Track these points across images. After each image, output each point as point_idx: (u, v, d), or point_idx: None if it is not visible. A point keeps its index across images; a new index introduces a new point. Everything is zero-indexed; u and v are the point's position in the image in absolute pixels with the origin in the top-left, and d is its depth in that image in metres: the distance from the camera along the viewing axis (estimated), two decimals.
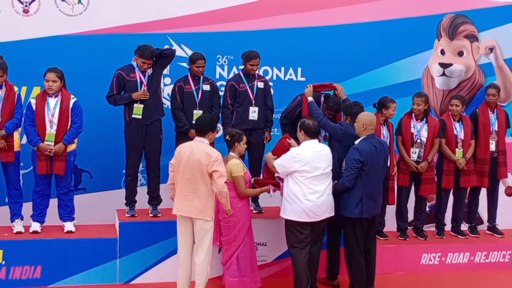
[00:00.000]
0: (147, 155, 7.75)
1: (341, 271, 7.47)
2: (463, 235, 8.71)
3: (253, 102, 7.91)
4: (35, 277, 7.22)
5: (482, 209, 9.03)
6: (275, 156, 7.08)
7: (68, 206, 7.52)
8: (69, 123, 7.31)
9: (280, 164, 6.85)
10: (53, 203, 7.55)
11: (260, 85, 7.98)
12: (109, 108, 7.72)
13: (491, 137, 8.64)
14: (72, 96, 7.34)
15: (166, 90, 8.40)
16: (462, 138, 8.47)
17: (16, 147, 7.30)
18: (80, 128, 7.38)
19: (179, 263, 6.79)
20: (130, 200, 7.78)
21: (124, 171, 7.92)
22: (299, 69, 8.94)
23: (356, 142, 6.97)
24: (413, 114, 8.29)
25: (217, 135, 7.22)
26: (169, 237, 7.34)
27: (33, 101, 7.26)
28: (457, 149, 8.45)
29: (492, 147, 8.65)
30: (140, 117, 7.55)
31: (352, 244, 7.06)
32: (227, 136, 7.00)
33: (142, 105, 7.55)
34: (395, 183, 8.22)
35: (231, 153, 7.00)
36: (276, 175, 7.16)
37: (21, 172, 7.60)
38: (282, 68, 8.91)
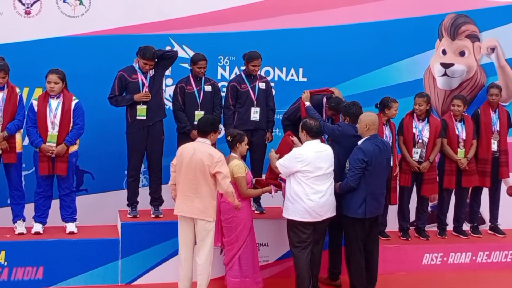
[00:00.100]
0: (149, 156, 7.76)
1: (343, 271, 7.46)
2: (465, 235, 8.71)
3: (255, 102, 7.91)
4: (37, 278, 7.23)
5: (484, 209, 9.02)
6: (279, 155, 7.08)
7: (70, 207, 7.53)
8: (71, 124, 7.31)
9: (282, 164, 6.86)
10: (55, 204, 7.55)
11: (262, 85, 7.99)
12: (111, 109, 7.73)
13: (493, 137, 8.63)
14: (74, 97, 7.35)
15: (168, 91, 8.40)
16: (464, 138, 8.47)
17: (18, 149, 7.30)
18: (82, 129, 7.39)
19: (180, 264, 6.80)
20: (132, 201, 7.79)
21: (126, 172, 7.92)
22: (301, 70, 8.94)
23: (359, 142, 6.97)
24: (414, 114, 8.28)
25: (219, 136, 7.22)
26: (171, 238, 7.34)
27: (35, 103, 7.27)
28: (459, 149, 8.44)
29: (494, 147, 8.64)
30: (144, 118, 7.56)
31: (353, 244, 7.06)
32: (229, 137, 7.01)
33: (145, 106, 7.56)
34: (397, 183, 8.22)
35: (233, 154, 7.00)
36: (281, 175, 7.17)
37: (23, 173, 7.62)
38: (284, 69, 8.92)
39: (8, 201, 7.54)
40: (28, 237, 7.34)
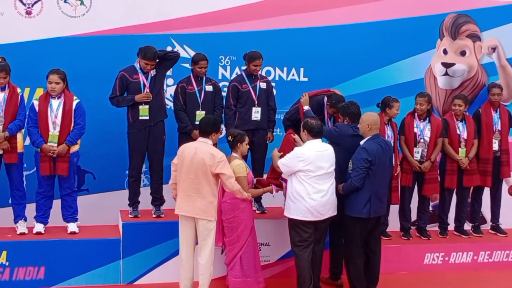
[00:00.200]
0: (150, 156, 7.76)
1: (345, 271, 7.45)
2: (466, 234, 8.70)
3: (256, 102, 7.91)
4: (38, 278, 7.23)
5: (485, 209, 9.02)
6: (281, 153, 7.09)
7: (71, 207, 7.53)
8: (72, 124, 7.31)
9: (284, 163, 6.86)
10: (57, 204, 7.56)
11: (263, 85, 7.99)
12: (112, 109, 7.73)
13: (494, 137, 8.62)
14: (75, 97, 7.35)
15: (169, 91, 8.41)
16: (465, 137, 8.46)
17: (20, 149, 7.30)
18: (83, 129, 7.39)
19: (181, 264, 6.81)
20: (133, 201, 7.79)
21: (127, 172, 7.93)
22: (302, 70, 8.94)
23: (362, 142, 6.97)
24: (415, 114, 8.28)
25: (220, 136, 7.22)
26: (172, 238, 7.34)
27: (36, 103, 7.27)
28: (460, 149, 8.44)
29: (495, 146, 8.64)
30: (147, 118, 7.57)
31: (353, 245, 7.06)
32: (229, 137, 7.01)
33: (147, 106, 7.56)
34: (399, 183, 8.22)
35: (234, 154, 7.00)
36: (282, 176, 7.17)
37: (25, 173, 7.63)
38: (285, 69, 8.92)
39: (10, 201, 7.54)
40: (30, 237, 7.35)
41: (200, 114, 7.71)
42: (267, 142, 8.04)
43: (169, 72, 8.12)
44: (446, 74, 9.43)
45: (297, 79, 8.96)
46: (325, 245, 7.20)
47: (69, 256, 7.28)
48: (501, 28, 9.45)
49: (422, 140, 8.24)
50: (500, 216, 8.93)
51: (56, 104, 7.27)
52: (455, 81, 9.47)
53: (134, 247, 7.48)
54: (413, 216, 8.59)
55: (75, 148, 7.40)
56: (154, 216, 7.75)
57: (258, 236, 7.25)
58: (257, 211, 7.85)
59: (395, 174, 8.02)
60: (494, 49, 9.51)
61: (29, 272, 7.20)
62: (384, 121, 7.92)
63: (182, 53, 8.35)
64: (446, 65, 9.40)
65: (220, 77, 8.67)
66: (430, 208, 8.80)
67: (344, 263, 7.28)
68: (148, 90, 7.57)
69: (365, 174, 6.84)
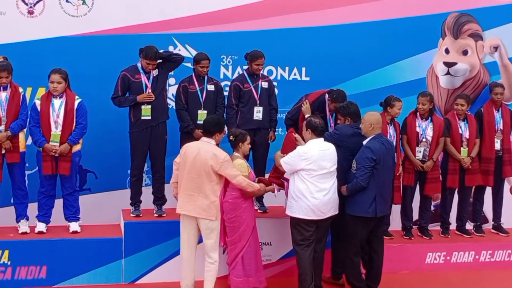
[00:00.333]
0: (152, 155, 7.77)
1: None
2: (468, 234, 8.70)
3: (258, 102, 7.91)
4: (40, 277, 7.24)
5: (487, 208, 9.01)
6: (284, 154, 7.09)
7: (73, 206, 7.54)
8: (74, 124, 7.33)
9: (287, 162, 6.86)
10: (59, 203, 7.57)
11: (265, 85, 7.99)
12: (114, 109, 7.74)
13: (496, 136, 8.62)
14: (76, 97, 7.36)
15: (171, 90, 8.42)
16: (467, 137, 8.46)
17: (22, 148, 7.32)
18: (85, 129, 7.40)
19: (182, 263, 6.80)
20: (135, 200, 7.80)
21: (129, 171, 7.93)
22: (303, 69, 8.94)
23: (365, 142, 6.97)
24: (418, 113, 8.28)
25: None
26: (174, 237, 7.32)
27: (37, 102, 7.29)
28: (462, 148, 8.43)
29: (497, 145, 8.63)
30: (149, 118, 7.58)
31: (353, 243, 7.05)
32: (231, 136, 7.01)
33: (149, 106, 7.57)
34: (401, 182, 8.21)
35: (235, 153, 7.00)
36: (285, 175, 7.17)
37: (27, 172, 7.63)
38: (287, 68, 8.93)
39: (12, 201, 7.54)
40: (32, 236, 7.36)
41: (202, 113, 7.72)
42: (269, 141, 8.05)
43: (171, 72, 8.12)
44: (448, 73, 9.42)
45: (298, 78, 8.96)
46: (326, 244, 7.20)
47: (71, 256, 7.30)
48: (503, 28, 9.44)
49: (424, 140, 8.24)
50: (502, 215, 8.92)
51: (58, 104, 7.28)
52: (457, 80, 9.46)
53: (136, 246, 7.49)
54: (415, 216, 8.58)
55: (77, 148, 7.41)
56: (156, 215, 7.75)
57: (260, 235, 7.26)
58: (259, 211, 7.86)
59: (397, 174, 8.00)
60: (496, 48, 9.50)
61: (31, 271, 7.21)
62: (387, 120, 7.92)
63: (184, 53, 8.37)
64: (448, 65, 9.40)
65: (222, 76, 8.67)
66: (432, 208, 8.80)
67: (345, 260, 7.26)
68: (150, 91, 7.57)
69: (370, 173, 6.84)
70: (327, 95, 7.72)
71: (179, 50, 8.49)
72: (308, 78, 8.92)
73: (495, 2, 9.39)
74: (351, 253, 7.09)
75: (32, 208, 7.54)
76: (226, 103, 7.95)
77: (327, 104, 7.71)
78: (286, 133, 7.71)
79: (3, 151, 7.20)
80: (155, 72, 7.65)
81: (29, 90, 7.99)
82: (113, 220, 7.96)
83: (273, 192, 7.25)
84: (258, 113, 7.90)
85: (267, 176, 7.60)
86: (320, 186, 6.77)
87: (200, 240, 6.81)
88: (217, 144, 6.81)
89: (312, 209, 6.76)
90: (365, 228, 7.02)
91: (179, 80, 8.05)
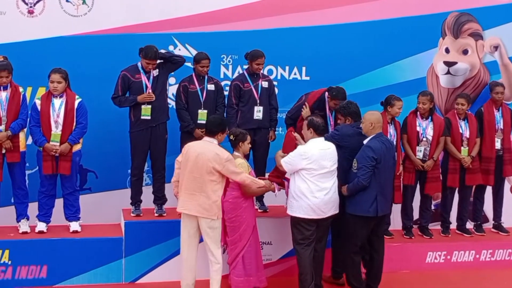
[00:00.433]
0: (152, 155, 7.77)
1: None
2: (469, 233, 8.70)
3: (258, 101, 7.92)
4: (41, 277, 7.24)
5: (488, 207, 9.01)
6: (285, 154, 7.09)
7: (73, 206, 7.54)
8: (74, 124, 7.33)
9: (287, 162, 6.86)
10: (59, 203, 7.57)
11: (265, 84, 7.99)
12: (114, 108, 7.74)
13: (497, 135, 8.62)
14: (77, 97, 7.36)
15: (171, 90, 8.42)
16: (468, 136, 8.46)
17: (22, 148, 7.32)
18: (85, 128, 7.40)
19: (182, 262, 6.80)
20: (136, 200, 7.80)
21: (129, 171, 7.93)
22: (304, 69, 8.95)
23: (366, 141, 6.97)
24: (418, 113, 8.28)
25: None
26: (174, 237, 7.32)
27: (38, 102, 7.29)
28: (462, 147, 8.44)
29: (498, 145, 8.63)
30: (149, 118, 7.58)
31: (354, 242, 7.05)
32: (231, 136, 7.00)
33: (149, 106, 7.57)
34: (401, 182, 8.21)
35: (236, 153, 7.00)
36: (285, 175, 7.17)
37: (27, 172, 7.62)
38: (287, 68, 8.93)
39: (12, 200, 7.53)
40: (32, 236, 7.36)
41: (202, 113, 7.73)
42: (269, 141, 8.05)
43: (171, 73, 8.10)
44: (448, 72, 9.42)
45: (299, 78, 8.96)
46: (327, 243, 7.20)
47: (71, 255, 7.30)
48: (503, 27, 9.44)
49: (424, 139, 8.24)
50: (502, 214, 8.92)
51: (58, 103, 7.28)
52: (457, 79, 9.46)
53: (136, 246, 7.49)
54: (415, 215, 8.58)
55: (77, 147, 7.42)
56: (156, 215, 7.75)
57: (260, 235, 7.26)
58: (259, 210, 7.86)
59: (397, 174, 8.00)
60: (496, 47, 9.50)
61: (32, 271, 7.21)
62: (387, 120, 7.92)
63: (184, 52, 8.38)
64: (448, 64, 9.40)
65: (222, 76, 8.68)
66: (432, 207, 8.80)
67: (345, 259, 7.25)
68: (150, 91, 7.57)
69: (372, 173, 6.84)
70: (326, 93, 7.72)
71: (179, 49, 8.50)
72: (308, 78, 8.92)
73: (495, 1, 9.39)
74: (351, 253, 7.09)
75: (33, 208, 7.54)
76: (226, 102, 7.95)
77: (326, 102, 7.71)
78: (286, 132, 7.72)
79: (4, 151, 7.20)
80: (155, 72, 7.65)
81: (29, 89, 7.99)
82: (114, 220, 7.96)
83: (274, 191, 7.25)
84: (258, 112, 7.91)
85: (267, 175, 7.60)
86: (321, 185, 6.77)
87: (200, 240, 6.80)
88: (219, 144, 6.81)
89: (312, 208, 6.76)
90: (365, 227, 7.02)
91: (179, 79, 8.05)
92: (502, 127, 8.65)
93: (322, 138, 6.93)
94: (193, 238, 6.74)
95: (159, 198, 7.83)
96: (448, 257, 8.36)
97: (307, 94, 7.84)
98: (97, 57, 8.26)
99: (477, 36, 9.43)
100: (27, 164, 7.55)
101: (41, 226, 7.43)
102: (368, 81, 9.03)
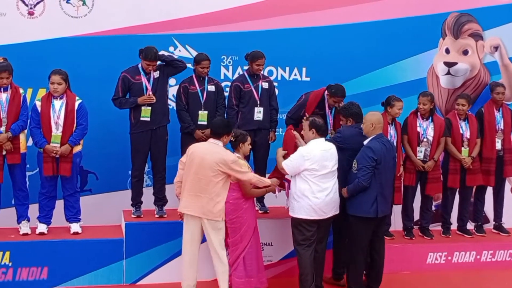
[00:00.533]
0: (153, 156, 7.76)
1: None
2: (469, 234, 8.70)
3: (258, 102, 7.91)
4: (41, 279, 7.24)
5: (488, 208, 9.01)
6: (285, 152, 7.09)
7: (74, 207, 7.54)
8: (75, 125, 7.33)
9: (289, 164, 6.84)
10: (59, 204, 7.57)
11: (265, 85, 7.99)
12: (115, 109, 7.73)
13: (497, 136, 8.62)
14: (77, 98, 7.36)
15: (171, 91, 8.41)
16: (468, 137, 8.46)
17: (22, 149, 7.32)
18: (86, 130, 7.40)
19: (184, 263, 6.78)
20: (136, 201, 7.80)
21: (130, 172, 7.93)
22: (304, 69, 8.94)
23: (366, 142, 6.97)
24: (418, 113, 8.27)
25: None
26: (175, 238, 7.34)
27: (38, 103, 7.28)
28: (463, 148, 8.44)
29: (498, 145, 8.63)
30: (148, 119, 7.57)
31: (357, 244, 7.05)
32: (232, 137, 7.00)
33: (149, 108, 7.57)
34: (401, 183, 8.21)
35: (236, 154, 6.99)
36: (286, 176, 7.16)
37: (27, 174, 7.62)
38: (287, 68, 8.92)
39: (13, 202, 7.53)
40: (33, 237, 7.36)
41: (202, 114, 7.73)
42: (270, 142, 8.04)
43: (171, 76, 8.08)
44: (448, 73, 9.42)
45: (299, 78, 8.96)
46: (327, 244, 7.20)
47: (72, 257, 7.29)
48: (503, 27, 9.44)
49: (425, 140, 8.24)
50: (503, 215, 8.92)
51: (58, 105, 7.28)
52: (457, 80, 9.46)
53: (137, 247, 7.48)
54: (416, 216, 8.58)
55: (77, 149, 7.41)
56: (156, 216, 7.75)
57: (261, 236, 7.25)
58: (260, 211, 7.86)
59: (398, 175, 8.00)
60: (496, 48, 9.50)
61: (32, 272, 7.21)
62: (388, 120, 7.92)
63: (185, 53, 8.38)
64: (449, 64, 9.39)
65: (222, 77, 8.67)
66: (433, 208, 8.79)
67: (347, 261, 7.25)
68: (150, 93, 7.57)
69: (372, 173, 6.84)
70: (326, 91, 7.72)
71: (179, 50, 8.50)
72: (308, 79, 8.92)
73: (495, 2, 9.39)
74: (355, 255, 7.07)
75: (33, 209, 7.54)
76: (226, 103, 7.95)
77: (326, 100, 7.70)
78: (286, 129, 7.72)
79: (4, 152, 7.20)
80: (155, 74, 7.64)
81: (29, 91, 8.00)
82: (114, 221, 7.96)
83: (274, 192, 7.25)
84: (258, 113, 7.90)
85: (267, 176, 7.59)
86: (322, 186, 6.78)
87: (202, 241, 6.79)
88: (224, 146, 6.80)
89: (314, 209, 6.76)
90: (367, 228, 7.02)
91: (179, 80, 8.05)
92: (502, 127, 8.65)
93: (323, 139, 6.94)
94: (196, 239, 6.72)
95: (160, 199, 7.83)
96: (449, 258, 8.36)
97: (307, 94, 7.84)
98: (97, 58, 8.26)
99: (477, 37, 9.43)
100: (28, 166, 7.55)
101: (42, 228, 7.43)
102: (369, 81, 9.03)
